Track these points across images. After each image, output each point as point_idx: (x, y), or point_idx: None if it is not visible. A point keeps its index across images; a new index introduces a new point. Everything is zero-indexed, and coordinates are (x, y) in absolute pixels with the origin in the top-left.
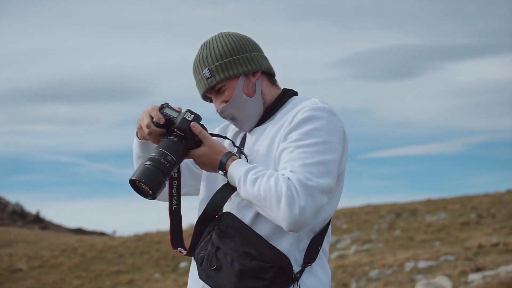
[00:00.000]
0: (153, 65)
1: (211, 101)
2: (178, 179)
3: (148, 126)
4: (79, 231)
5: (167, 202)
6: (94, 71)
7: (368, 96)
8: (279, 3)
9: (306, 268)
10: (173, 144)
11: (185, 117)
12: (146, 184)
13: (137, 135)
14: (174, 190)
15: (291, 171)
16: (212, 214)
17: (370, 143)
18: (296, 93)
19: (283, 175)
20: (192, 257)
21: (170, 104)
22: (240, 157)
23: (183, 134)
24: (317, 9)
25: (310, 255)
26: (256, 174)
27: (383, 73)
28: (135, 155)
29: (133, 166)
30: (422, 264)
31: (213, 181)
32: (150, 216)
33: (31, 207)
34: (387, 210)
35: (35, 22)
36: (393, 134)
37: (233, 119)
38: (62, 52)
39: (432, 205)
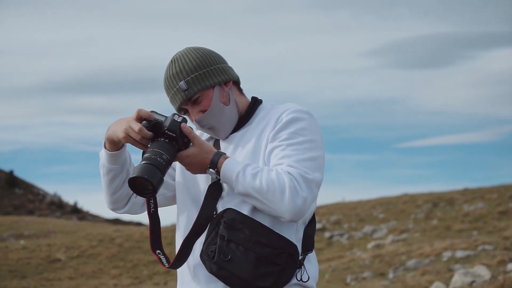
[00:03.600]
0: None
1: (185, 113)
2: None
3: (140, 131)
4: (116, 221)
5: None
6: (129, 62)
7: (402, 85)
8: None
9: (304, 257)
10: (165, 144)
11: (174, 119)
12: (148, 180)
13: (105, 147)
14: None
15: (289, 166)
16: (199, 233)
17: (406, 133)
18: (262, 101)
19: (282, 169)
20: (186, 268)
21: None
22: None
23: (174, 135)
24: None
25: (307, 244)
26: (255, 169)
27: (417, 62)
28: (105, 169)
29: (101, 183)
30: (459, 254)
31: (194, 187)
32: None
33: (68, 198)
34: (424, 199)
35: (70, 14)
36: (429, 123)
37: (210, 128)
38: (97, 43)
39: (469, 194)
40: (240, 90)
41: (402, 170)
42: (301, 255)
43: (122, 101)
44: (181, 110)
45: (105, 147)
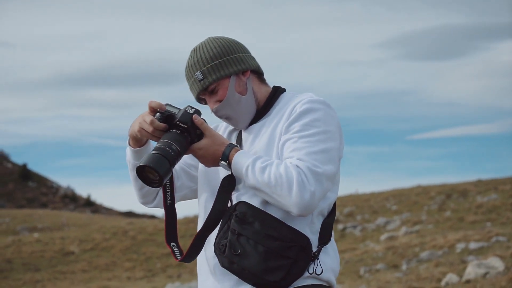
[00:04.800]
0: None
1: (205, 103)
2: (171, 175)
3: (152, 122)
4: (129, 214)
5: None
6: (140, 55)
7: (414, 76)
8: None
9: (321, 249)
10: (176, 135)
11: (186, 111)
12: (153, 169)
13: (129, 144)
14: (168, 187)
15: (299, 159)
16: (211, 227)
17: (418, 124)
18: (284, 90)
19: (291, 163)
20: (204, 260)
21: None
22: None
23: (185, 126)
24: None
25: (324, 237)
26: (264, 163)
27: (429, 53)
28: (131, 165)
29: (130, 179)
30: (473, 245)
31: (214, 179)
32: None
33: (82, 191)
34: (437, 191)
35: (82, 7)
36: (441, 114)
37: (228, 118)
38: (108, 36)
39: (483, 186)
40: (262, 80)
41: (415, 162)
42: (317, 247)
43: (133, 93)
44: (200, 100)
45: (129, 144)
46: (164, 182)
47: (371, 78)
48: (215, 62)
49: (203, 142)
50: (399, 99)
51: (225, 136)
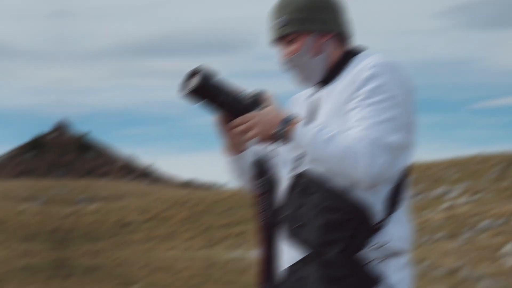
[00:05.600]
0: (257, 16)
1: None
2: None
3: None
4: (189, 184)
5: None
6: (200, 24)
7: (475, 45)
8: None
9: (389, 218)
10: (237, 90)
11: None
12: (201, 72)
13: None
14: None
15: (365, 129)
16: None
17: (478, 93)
18: (362, 50)
19: (357, 133)
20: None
21: None
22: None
23: (252, 94)
24: None
25: (391, 205)
26: (329, 133)
27: (490, 22)
28: (230, 167)
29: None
30: None
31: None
32: None
33: (142, 161)
34: (498, 159)
35: None
36: (502, 83)
37: (292, 72)
38: (169, 4)
39: None
40: (345, 44)
41: (475, 131)
42: (382, 217)
43: (195, 63)
44: (275, 43)
45: (225, 153)
46: (192, 95)
47: (432, 47)
48: (303, 14)
49: (263, 109)
50: (459, 68)
51: (301, 103)
